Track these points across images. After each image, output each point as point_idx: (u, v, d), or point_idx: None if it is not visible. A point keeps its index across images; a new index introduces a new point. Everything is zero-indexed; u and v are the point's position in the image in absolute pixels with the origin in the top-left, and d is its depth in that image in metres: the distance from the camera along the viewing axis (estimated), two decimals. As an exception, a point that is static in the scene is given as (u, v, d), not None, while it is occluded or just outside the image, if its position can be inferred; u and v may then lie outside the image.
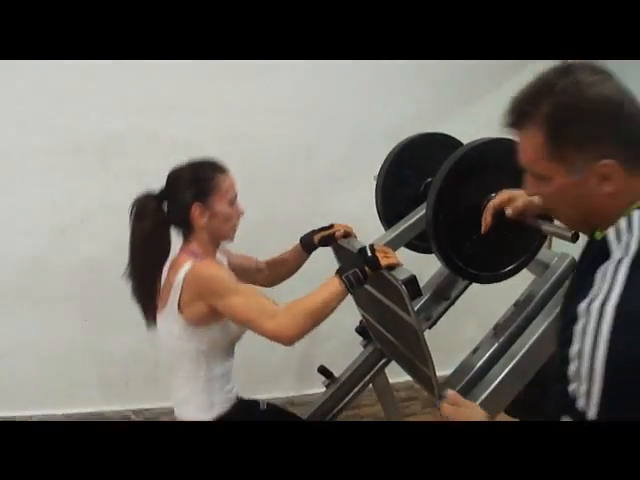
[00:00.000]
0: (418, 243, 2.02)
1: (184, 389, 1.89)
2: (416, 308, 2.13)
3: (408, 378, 1.89)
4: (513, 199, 1.60)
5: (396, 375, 2.52)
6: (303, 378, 3.09)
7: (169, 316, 1.81)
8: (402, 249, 1.97)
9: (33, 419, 2.78)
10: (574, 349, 0.98)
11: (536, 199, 1.42)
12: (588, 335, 0.96)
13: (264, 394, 3.02)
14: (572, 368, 0.99)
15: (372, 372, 2.31)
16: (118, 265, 2.76)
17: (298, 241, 2.13)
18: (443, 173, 1.64)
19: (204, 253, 1.83)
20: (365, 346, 2.35)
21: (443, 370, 1.88)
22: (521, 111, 1.11)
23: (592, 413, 0.96)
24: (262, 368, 3.08)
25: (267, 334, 1.69)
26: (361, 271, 1.68)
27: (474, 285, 2.09)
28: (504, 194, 1.62)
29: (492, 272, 1.75)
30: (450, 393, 1.35)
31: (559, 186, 1.11)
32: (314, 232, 2.10)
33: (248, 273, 2.11)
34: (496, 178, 1.66)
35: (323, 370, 2.37)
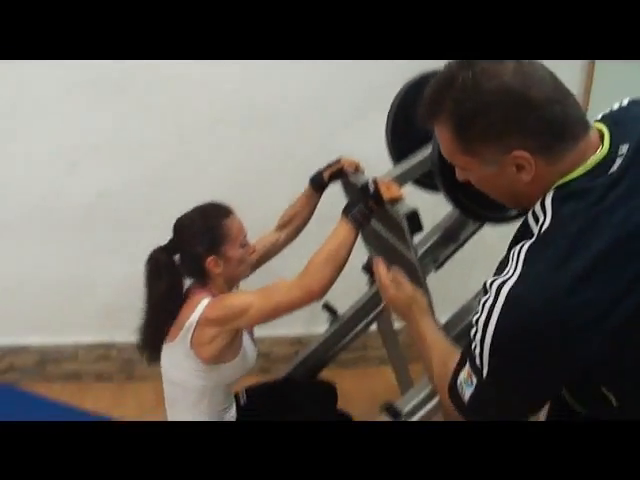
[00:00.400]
0: (428, 181, 1.99)
1: (185, 417, 1.92)
2: (424, 249, 2.13)
3: None
4: None
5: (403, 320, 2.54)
6: (311, 317, 3.10)
7: (179, 350, 1.81)
8: (415, 192, 1.96)
9: (46, 345, 2.85)
10: (476, 317, 1.07)
11: None
12: (485, 310, 1.05)
13: (271, 331, 3.07)
14: (472, 332, 1.09)
15: (376, 311, 2.31)
16: (128, 197, 2.81)
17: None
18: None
19: (221, 293, 1.85)
20: (371, 285, 2.35)
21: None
22: (429, 107, 1.12)
23: (484, 374, 1.08)
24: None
25: (299, 302, 1.72)
26: (366, 206, 1.69)
27: (485, 235, 2.11)
28: None
29: (499, 213, 1.73)
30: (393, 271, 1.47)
31: (480, 177, 1.15)
32: (322, 171, 2.07)
33: (268, 254, 2.14)
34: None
35: (327, 307, 2.39)
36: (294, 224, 2.14)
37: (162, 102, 2.68)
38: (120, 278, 2.95)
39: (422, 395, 1.77)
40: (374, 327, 2.61)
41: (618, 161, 1.06)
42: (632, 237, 1.01)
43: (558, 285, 0.99)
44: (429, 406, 1.76)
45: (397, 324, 2.58)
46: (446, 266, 2.18)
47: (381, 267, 1.53)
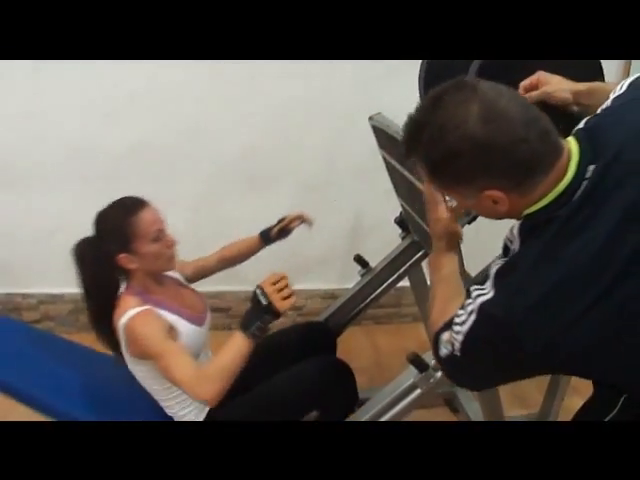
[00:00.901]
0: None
1: (173, 409, 1.92)
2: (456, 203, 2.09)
3: None
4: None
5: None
6: (345, 272, 3.09)
7: (127, 358, 1.84)
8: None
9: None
10: (460, 309, 1.21)
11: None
12: (466, 312, 1.18)
13: (304, 285, 3.08)
14: (457, 316, 1.21)
15: (408, 264, 2.29)
16: (161, 147, 2.80)
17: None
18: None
19: (145, 290, 1.84)
20: (403, 238, 2.33)
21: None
22: (406, 150, 1.20)
23: (456, 352, 1.21)
24: (305, 260, 3.11)
25: (192, 397, 1.72)
26: (263, 322, 1.68)
27: None
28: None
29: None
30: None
31: (463, 204, 1.28)
32: (272, 227, 2.19)
33: (205, 273, 2.23)
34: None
35: (359, 259, 2.37)
36: (232, 262, 2.26)
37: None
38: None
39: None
40: (408, 284, 2.58)
41: (583, 185, 1.11)
42: (583, 271, 1.08)
43: (516, 313, 1.09)
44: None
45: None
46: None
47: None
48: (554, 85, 1.47)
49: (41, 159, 2.77)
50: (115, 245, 1.80)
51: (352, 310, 2.44)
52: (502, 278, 1.16)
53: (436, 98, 1.12)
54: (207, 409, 1.92)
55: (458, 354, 1.21)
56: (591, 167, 1.11)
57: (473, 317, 1.16)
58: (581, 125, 1.23)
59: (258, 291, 1.67)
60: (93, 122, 2.73)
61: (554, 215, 1.12)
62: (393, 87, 2.52)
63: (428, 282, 2.44)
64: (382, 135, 1.97)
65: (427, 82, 2.00)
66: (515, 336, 1.09)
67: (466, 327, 1.17)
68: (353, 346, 3.10)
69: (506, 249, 1.24)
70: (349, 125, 2.19)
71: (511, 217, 1.21)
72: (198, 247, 3.02)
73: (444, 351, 1.26)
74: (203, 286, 3.10)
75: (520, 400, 2.76)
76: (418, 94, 2.04)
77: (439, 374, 1.73)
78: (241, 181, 2.94)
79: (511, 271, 1.15)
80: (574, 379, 2.29)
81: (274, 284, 1.68)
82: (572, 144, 1.16)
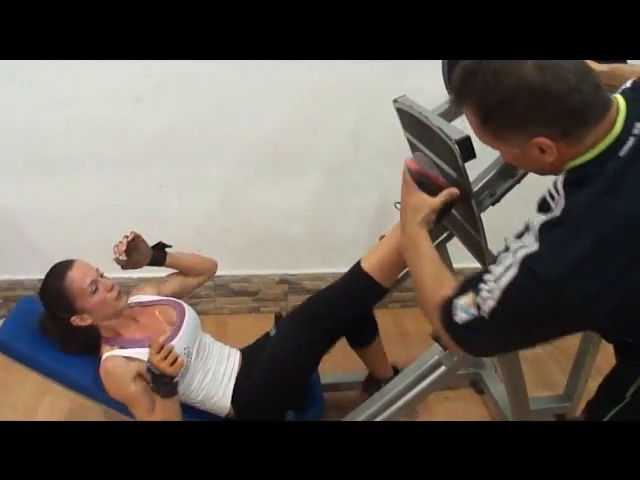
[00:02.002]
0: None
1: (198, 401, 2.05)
2: (482, 183, 2.11)
3: (475, 264, 1.88)
4: None
5: (463, 261, 2.52)
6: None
7: None
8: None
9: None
10: (494, 267, 1.22)
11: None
12: (502, 266, 1.19)
13: (334, 267, 3.10)
14: (487, 275, 1.22)
15: (433, 245, 2.29)
16: (190, 132, 2.85)
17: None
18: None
19: (114, 334, 1.97)
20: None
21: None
22: (458, 96, 1.23)
23: (485, 310, 1.21)
24: (332, 243, 3.14)
25: None
26: (165, 384, 1.80)
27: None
28: None
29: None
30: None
31: (509, 155, 1.27)
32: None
33: (185, 289, 2.30)
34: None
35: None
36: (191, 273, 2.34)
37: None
38: (181, 213, 3.04)
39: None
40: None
41: (630, 141, 1.13)
42: (631, 223, 1.10)
43: (560, 266, 1.10)
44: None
45: (457, 264, 2.55)
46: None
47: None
48: None
49: (74, 144, 2.82)
50: (63, 313, 1.90)
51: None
52: (547, 231, 1.16)
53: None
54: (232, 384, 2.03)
55: (486, 315, 1.20)
56: (638, 124, 1.14)
57: (513, 271, 1.16)
58: (628, 84, 1.25)
59: (148, 365, 1.78)
60: (124, 108, 2.77)
61: (601, 169, 1.14)
62: (418, 71, 2.53)
63: (453, 263, 2.50)
64: (406, 116, 1.99)
65: (450, 64, 2.03)
66: (560, 289, 1.10)
67: (504, 282, 1.17)
68: (380, 328, 3.13)
69: (544, 204, 1.24)
70: (375, 109, 2.21)
71: (553, 171, 1.23)
72: (226, 231, 3.10)
73: (463, 316, 1.26)
74: (231, 270, 3.18)
75: (544, 382, 2.78)
76: (442, 77, 2.07)
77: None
78: (269, 166, 2.97)
79: (557, 225, 1.16)
80: (598, 361, 2.31)
81: (158, 353, 1.77)
82: (620, 100, 1.18)
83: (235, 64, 2.64)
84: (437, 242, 2.29)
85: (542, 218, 1.20)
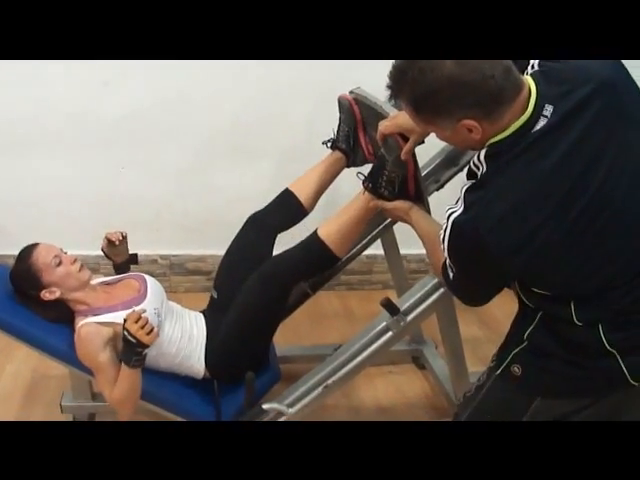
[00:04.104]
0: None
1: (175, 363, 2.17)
2: (427, 170, 2.30)
3: (420, 251, 2.06)
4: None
5: (409, 247, 2.69)
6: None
7: None
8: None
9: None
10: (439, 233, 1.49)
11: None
12: (442, 230, 1.45)
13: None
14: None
15: (380, 226, 2.45)
16: (155, 117, 2.96)
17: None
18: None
19: (84, 306, 2.08)
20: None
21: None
22: (392, 91, 1.41)
23: (454, 269, 1.53)
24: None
25: (109, 403, 2.00)
26: (137, 355, 1.91)
27: None
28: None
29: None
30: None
31: (442, 136, 1.46)
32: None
33: None
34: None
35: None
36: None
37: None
38: (141, 194, 3.15)
39: (419, 295, 1.94)
40: (381, 252, 2.78)
41: (541, 122, 1.34)
42: (540, 189, 1.34)
43: (483, 223, 1.35)
44: (424, 305, 1.94)
45: (403, 250, 2.74)
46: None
47: None
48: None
49: (41, 124, 2.91)
50: (33, 289, 2.04)
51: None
52: (470, 194, 1.40)
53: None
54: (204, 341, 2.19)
55: (454, 272, 1.52)
56: (549, 107, 1.33)
57: (448, 231, 1.42)
58: (536, 67, 1.44)
59: (125, 332, 1.90)
60: (91, 90, 2.88)
61: (516, 143, 1.34)
62: (373, 63, 2.68)
63: (399, 246, 2.67)
64: (362, 106, 2.16)
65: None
66: (483, 242, 1.35)
67: (445, 243, 1.44)
68: (327, 308, 3.31)
69: (471, 173, 1.47)
70: (327, 102, 2.36)
71: (482, 147, 1.41)
72: (183, 212, 3.21)
73: (450, 274, 1.56)
74: (186, 250, 3.30)
75: (482, 359, 2.95)
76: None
77: (409, 318, 1.94)
78: (226, 151, 3.11)
79: (479, 189, 1.39)
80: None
81: (136, 322, 1.90)
82: (530, 82, 1.37)
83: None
84: (385, 223, 2.46)
85: (467, 184, 1.43)
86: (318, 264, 2.17)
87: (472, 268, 1.49)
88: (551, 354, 1.52)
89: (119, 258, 2.37)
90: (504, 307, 1.64)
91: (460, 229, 1.39)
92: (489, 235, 1.35)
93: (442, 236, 1.45)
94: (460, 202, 1.41)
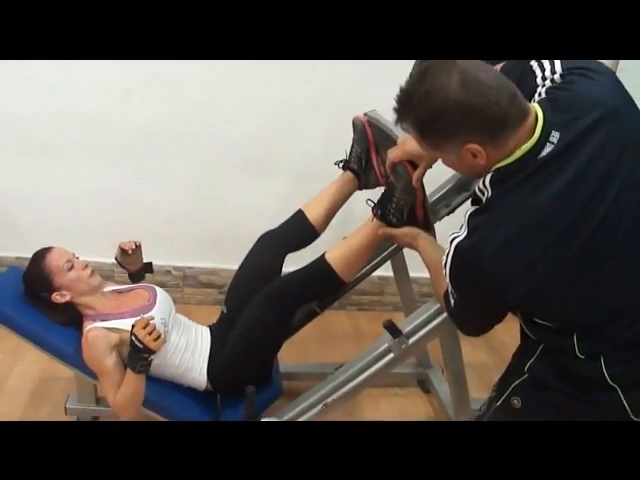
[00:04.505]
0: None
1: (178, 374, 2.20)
2: (438, 196, 2.32)
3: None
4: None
5: (420, 270, 2.68)
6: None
7: None
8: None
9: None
10: (441, 259, 1.48)
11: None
12: (445, 256, 1.45)
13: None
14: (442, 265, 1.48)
15: (389, 249, 2.47)
16: (176, 128, 3.00)
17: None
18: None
19: (93, 311, 2.13)
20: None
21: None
22: (398, 113, 1.41)
23: (455, 297, 1.55)
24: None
25: (112, 407, 2.04)
26: (143, 360, 1.96)
27: None
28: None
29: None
30: None
31: (447, 161, 1.46)
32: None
33: None
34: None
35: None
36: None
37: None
38: (157, 204, 3.19)
39: (422, 318, 1.95)
40: (392, 274, 2.79)
41: (548, 148, 1.33)
42: (544, 216, 1.33)
43: (486, 249, 1.35)
44: (427, 329, 1.95)
45: (412, 273, 2.74)
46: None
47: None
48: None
49: (63, 131, 2.97)
50: (44, 291, 2.10)
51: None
52: (474, 219, 1.40)
53: (422, 70, 1.33)
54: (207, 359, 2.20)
55: (455, 299, 1.53)
56: (556, 134, 1.33)
57: (450, 256, 1.42)
58: (543, 94, 1.44)
59: (133, 337, 1.93)
60: (111, 99, 2.93)
61: (522, 169, 1.34)
62: (389, 86, 2.71)
63: (409, 268, 2.68)
64: (375, 128, 2.18)
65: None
66: (485, 268, 1.35)
67: (447, 268, 1.43)
68: (337, 328, 3.32)
69: (475, 199, 1.47)
70: (345, 122, 2.38)
71: (486, 174, 1.40)
72: (198, 225, 3.25)
73: (452, 302, 1.56)
74: (199, 263, 3.33)
75: (487, 385, 2.95)
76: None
77: (411, 341, 1.95)
78: (242, 166, 3.14)
79: (482, 214, 1.39)
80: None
81: (144, 328, 1.94)
82: (537, 109, 1.37)
83: (216, 66, 2.80)
84: (394, 247, 2.47)
85: (471, 209, 1.44)
86: (324, 287, 2.20)
87: (473, 295, 1.48)
88: (551, 387, 1.51)
89: (133, 267, 2.41)
90: (512, 333, 1.63)
91: (462, 254, 1.39)
92: (490, 261, 1.34)
93: (444, 261, 1.44)
94: (464, 227, 1.40)
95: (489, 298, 1.44)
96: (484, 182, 1.41)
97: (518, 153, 1.34)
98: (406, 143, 1.86)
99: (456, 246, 1.40)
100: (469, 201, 2.26)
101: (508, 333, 1.83)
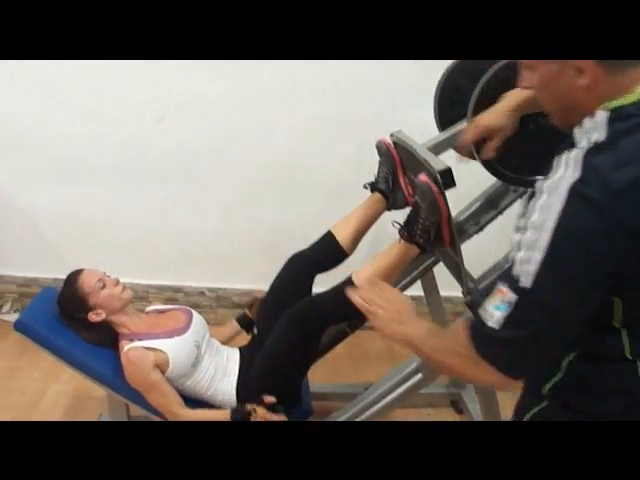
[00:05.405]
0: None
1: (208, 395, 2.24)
2: (468, 213, 2.33)
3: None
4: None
5: (454, 289, 2.70)
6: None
7: None
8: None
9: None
10: (525, 221, 1.12)
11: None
12: (539, 207, 1.09)
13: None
14: (517, 237, 1.13)
15: (420, 268, 2.47)
16: (208, 152, 3.06)
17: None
18: (483, 81, 1.80)
19: (127, 330, 2.18)
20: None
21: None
22: None
23: (525, 281, 1.09)
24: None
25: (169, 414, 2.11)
26: (244, 417, 2.05)
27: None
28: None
29: (525, 176, 1.92)
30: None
31: (542, 76, 1.18)
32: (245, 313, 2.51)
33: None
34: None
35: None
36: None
37: (241, 68, 2.90)
38: (190, 227, 3.23)
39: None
40: (422, 293, 2.78)
41: None
42: None
43: (618, 181, 1.04)
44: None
45: (447, 292, 2.75)
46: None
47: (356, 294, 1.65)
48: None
49: (98, 155, 3.05)
50: (81, 312, 2.15)
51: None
52: (589, 159, 1.08)
53: None
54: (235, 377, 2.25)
55: (529, 284, 1.09)
56: None
57: (558, 208, 1.06)
58: None
59: (253, 410, 2.07)
60: (145, 125, 3.00)
61: None
62: (416, 107, 2.73)
63: (440, 287, 2.68)
64: (401, 149, 2.20)
65: (440, 103, 2.25)
66: (613, 210, 1.04)
67: (549, 228, 1.07)
68: (370, 349, 3.32)
69: (571, 144, 1.17)
70: (374, 141, 2.41)
71: (581, 108, 1.16)
72: (230, 246, 3.28)
73: (498, 314, 1.14)
74: (233, 284, 3.37)
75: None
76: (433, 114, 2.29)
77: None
78: (272, 188, 3.18)
79: (600, 154, 1.09)
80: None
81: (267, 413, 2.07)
82: None
83: (246, 89, 2.86)
84: (425, 265, 2.48)
85: (581, 149, 1.12)
86: (349, 310, 2.19)
87: (573, 271, 1.08)
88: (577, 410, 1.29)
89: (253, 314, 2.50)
90: None
91: (585, 196, 1.04)
92: (623, 201, 1.04)
93: (540, 219, 1.08)
94: (570, 168, 1.09)
95: (596, 277, 1.08)
96: (596, 120, 1.13)
97: (637, 94, 1.11)
98: (481, 118, 1.80)
99: (574, 189, 1.05)
100: (498, 219, 2.34)
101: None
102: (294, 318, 2.12)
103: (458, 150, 1.95)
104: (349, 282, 2.11)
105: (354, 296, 1.59)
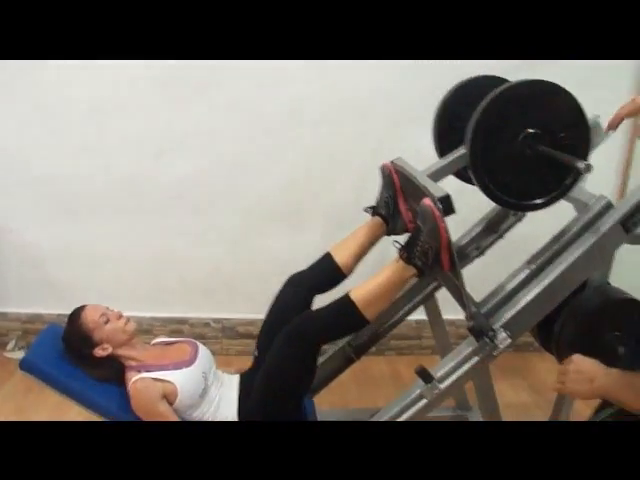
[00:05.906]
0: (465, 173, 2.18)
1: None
2: (468, 238, 2.34)
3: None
4: None
5: (457, 312, 2.70)
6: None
7: None
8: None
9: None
10: None
11: None
12: None
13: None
14: None
15: (422, 294, 2.48)
16: (209, 184, 3.08)
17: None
18: (483, 105, 1.82)
19: (134, 362, 2.19)
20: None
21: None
22: None
23: None
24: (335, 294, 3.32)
25: None
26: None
27: (526, 228, 2.33)
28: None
29: (523, 201, 1.91)
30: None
31: None
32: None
33: None
34: (529, 113, 1.82)
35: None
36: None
37: (240, 99, 2.93)
38: (194, 258, 3.25)
39: (454, 362, 1.96)
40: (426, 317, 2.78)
41: None
42: None
43: None
44: (459, 373, 1.95)
45: (451, 315, 2.76)
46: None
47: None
48: None
49: (99, 189, 3.09)
50: (86, 348, 2.16)
51: (370, 335, 2.58)
52: None
53: None
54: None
55: None
56: None
57: None
58: None
59: None
60: (146, 158, 3.04)
61: None
62: (419, 134, 2.75)
63: (442, 311, 2.68)
64: (401, 176, 2.22)
65: (439, 129, 2.27)
66: None
67: None
68: (376, 373, 3.32)
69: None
70: (375, 169, 2.43)
71: None
72: (234, 276, 3.30)
73: None
74: (238, 314, 3.37)
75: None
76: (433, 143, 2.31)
77: (443, 386, 1.95)
78: (275, 217, 3.21)
79: None
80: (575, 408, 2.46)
81: None
82: None
83: (247, 120, 2.88)
84: (427, 291, 2.49)
85: None
86: (346, 325, 2.19)
87: None
88: None
89: None
90: (554, 372, 1.58)
91: None
92: None
93: None
94: None
95: None
96: None
97: None
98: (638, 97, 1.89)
99: None
100: (499, 242, 2.36)
101: (551, 373, 1.80)
102: (292, 333, 2.12)
103: (610, 123, 2.00)
104: (346, 299, 2.12)
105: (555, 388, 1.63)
